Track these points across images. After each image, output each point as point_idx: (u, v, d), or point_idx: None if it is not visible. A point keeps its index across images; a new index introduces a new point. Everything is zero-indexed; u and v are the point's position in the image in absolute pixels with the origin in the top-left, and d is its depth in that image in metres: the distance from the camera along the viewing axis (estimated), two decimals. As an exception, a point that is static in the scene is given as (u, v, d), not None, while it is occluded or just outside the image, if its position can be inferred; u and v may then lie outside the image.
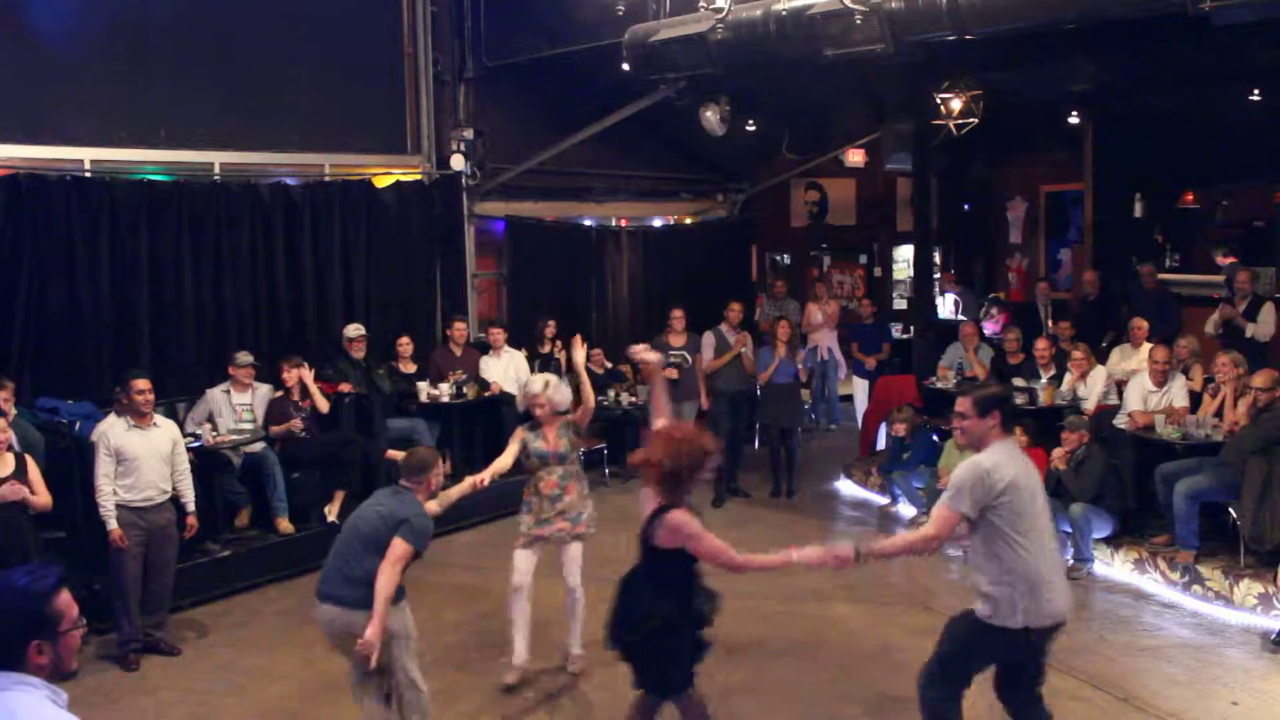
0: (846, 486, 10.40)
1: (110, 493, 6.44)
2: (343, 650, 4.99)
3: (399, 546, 4.83)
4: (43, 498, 6.16)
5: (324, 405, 8.68)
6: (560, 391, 6.15)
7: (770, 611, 7.21)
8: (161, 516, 6.62)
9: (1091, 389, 8.76)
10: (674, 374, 9.95)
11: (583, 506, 6.17)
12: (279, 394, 8.59)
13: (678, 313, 10.24)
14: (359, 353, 9.27)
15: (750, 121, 11.19)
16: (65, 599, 2.58)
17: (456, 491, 5.70)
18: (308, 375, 8.66)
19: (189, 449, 7.15)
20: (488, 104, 10.89)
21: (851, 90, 11.13)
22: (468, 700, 6.00)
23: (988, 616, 4.38)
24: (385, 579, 4.78)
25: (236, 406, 8.33)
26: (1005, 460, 4.35)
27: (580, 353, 6.34)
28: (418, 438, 9.39)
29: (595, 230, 12.16)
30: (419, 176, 10.48)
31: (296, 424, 8.44)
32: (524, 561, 6.09)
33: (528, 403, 6.20)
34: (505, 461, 6.03)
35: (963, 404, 4.48)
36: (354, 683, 5.06)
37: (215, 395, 8.38)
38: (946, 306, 13.97)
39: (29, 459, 6.27)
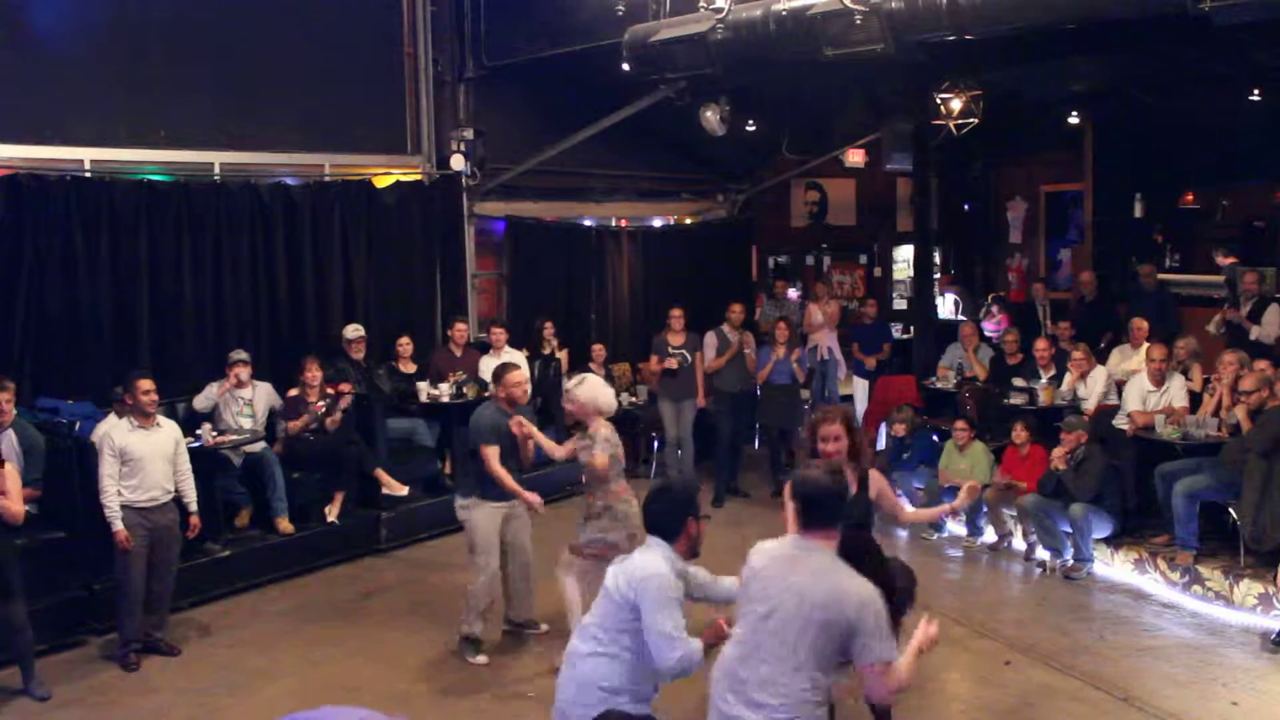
0: (846, 486, 10.37)
1: (115, 494, 6.43)
2: None
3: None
4: (15, 505, 5.91)
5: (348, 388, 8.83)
6: (592, 390, 6.18)
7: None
8: (166, 516, 6.63)
9: (1091, 389, 8.75)
10: (673, 364, 10.01)
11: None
12: (295, 392, 8.59)
13: (677, 312, 10.25)
14: (359, 353, 9.26)
15: (750, 121, 11.16)
16: None
17: None
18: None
19: (189, 449, 7.13)
20: (488, 104, 10.87)
21: (851, 90, 11.11)
22: (475, 697, 6.03)
23: None
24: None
25: (238, 398, 8.32)
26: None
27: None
28: (418, 438, 9.40)
29: (595, 230, 12.14)
30: (419, 177, 10.46)
31: (319, 406, 8.46)
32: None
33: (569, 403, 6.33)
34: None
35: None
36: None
37: (218, 389, 8.35)
38: (946, 306, 13.96)
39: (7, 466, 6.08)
